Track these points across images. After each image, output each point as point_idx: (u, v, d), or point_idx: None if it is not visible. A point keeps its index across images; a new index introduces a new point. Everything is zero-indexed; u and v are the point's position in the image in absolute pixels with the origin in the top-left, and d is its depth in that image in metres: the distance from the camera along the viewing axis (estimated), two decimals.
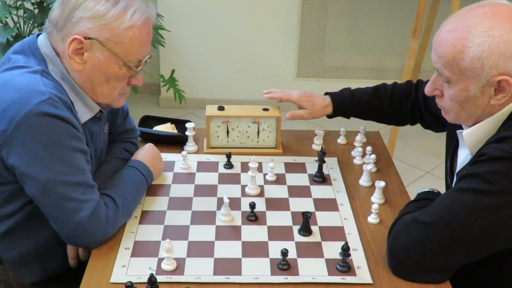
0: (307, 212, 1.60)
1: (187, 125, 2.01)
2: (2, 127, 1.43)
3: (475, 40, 1.39)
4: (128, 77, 1.61)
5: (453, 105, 1.51)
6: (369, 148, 1.97)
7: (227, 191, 1.78)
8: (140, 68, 1.60)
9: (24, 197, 1.53)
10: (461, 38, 1.41)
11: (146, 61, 1.60)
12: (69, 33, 1.51)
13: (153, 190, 1.79)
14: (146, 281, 1.37)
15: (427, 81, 1.61)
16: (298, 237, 1.60)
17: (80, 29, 1.50)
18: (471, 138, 1.51)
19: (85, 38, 1.50)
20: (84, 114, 1.59)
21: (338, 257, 1.49)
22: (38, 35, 1.60)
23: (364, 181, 1.85)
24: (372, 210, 1.67)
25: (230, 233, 1.61)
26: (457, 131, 1.59)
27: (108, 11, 1.50)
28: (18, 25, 3.24)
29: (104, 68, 1.55)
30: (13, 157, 1.45)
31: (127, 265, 1.47)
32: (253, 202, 1.66)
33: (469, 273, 1.55)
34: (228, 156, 1.93)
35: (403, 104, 1.98)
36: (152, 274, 1.37)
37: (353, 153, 2.03)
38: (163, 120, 2.15)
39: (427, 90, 1.56)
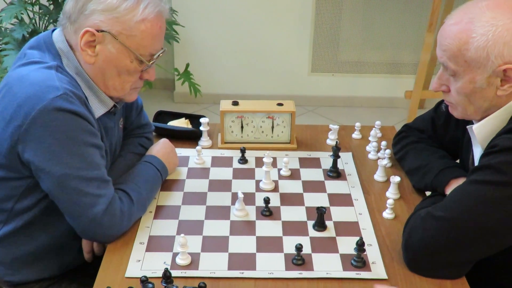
0: (321, 207, 1.59)
1: (202, 120, 2.01)
2: (18, 122, 1.44)
3: (479, 30, 1.40)
4: (140, 71, 1.60)
5: (460, 99, 1.50)
6: (384, 143, 1.95)
7: (242, 186, 1.78)
8: (151, 63, 1.59)
9: (40, 191, 1.54)
10: (465, 30, 1.42)
11: (158, 55, 1.60)
12: (82, 26, 1.51)
13: (168, 185, 1.79)
14: (161, 275, 1.37)
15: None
16: (313, 232, 1.59)
17: (92, 21, 1.50)
18: (482, 132, 1.50)
19: (97, 31, 1.50)
20: (98, 109, 1.60)
21: (353, 252, 1.48)
22: (53, 30, 1.61)
23: (379, 176, 1.84)
24: (387, 205, 1.66)
25: (244, 228, 1.61)
26: (467, 126, 1.57)
27: (120, 4, 1.50)
28: (33, 21, 3.26)
29: (116, 61, 1.55)
30: (28, 152, 1.45)
31: (142, 260, 1.48)
32: (268, 197, 1.66)
33: (486, 268, 1.53)
34: (243, 151, 1.93)
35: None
36: (166, 268, 1.37)
37: (368, 148, 2.02)
38: (177, 115, 2.15)
39: (433, 86, 1.57)
